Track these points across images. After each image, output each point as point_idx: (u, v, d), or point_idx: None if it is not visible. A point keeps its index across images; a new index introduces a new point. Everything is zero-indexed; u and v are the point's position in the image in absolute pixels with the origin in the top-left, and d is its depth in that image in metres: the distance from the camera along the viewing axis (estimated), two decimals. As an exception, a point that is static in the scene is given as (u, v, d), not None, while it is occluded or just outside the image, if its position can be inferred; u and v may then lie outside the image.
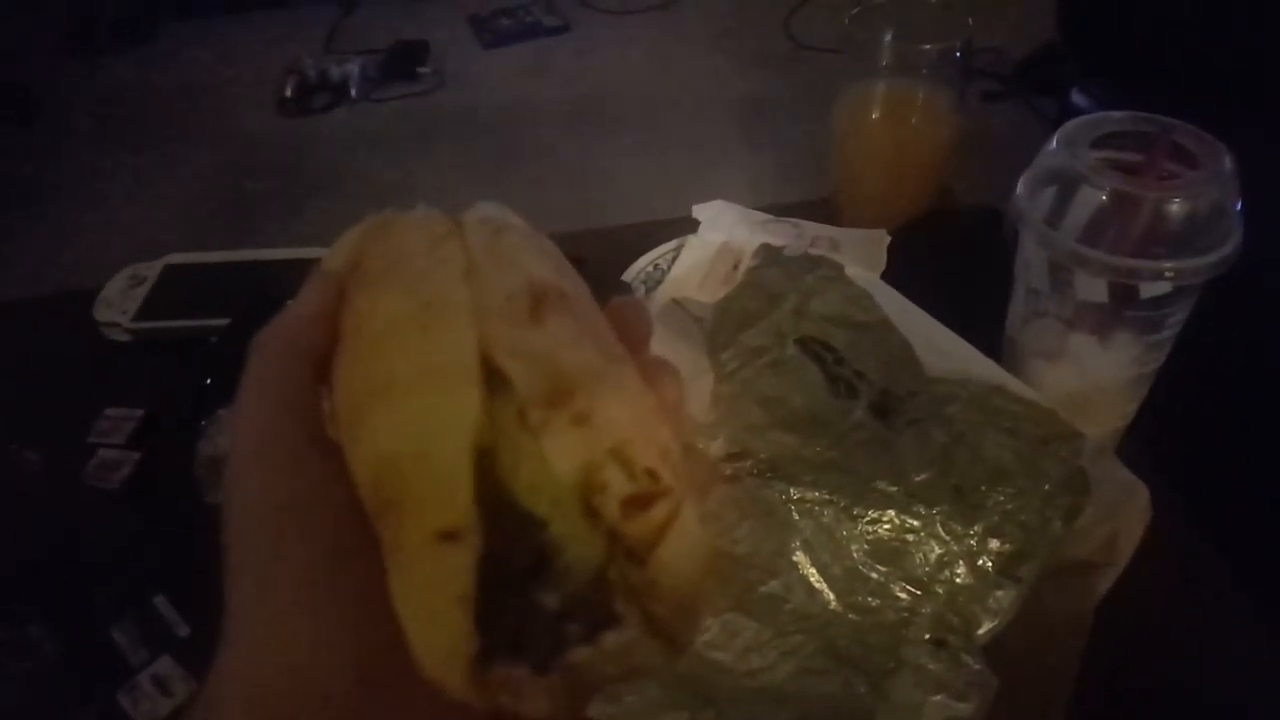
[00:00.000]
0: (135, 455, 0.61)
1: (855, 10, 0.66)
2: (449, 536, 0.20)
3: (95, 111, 1.47)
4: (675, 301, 0.50)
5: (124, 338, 0.68)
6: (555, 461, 0.21)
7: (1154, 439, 0.57)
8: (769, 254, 0.49)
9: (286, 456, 0.24)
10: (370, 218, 0.29)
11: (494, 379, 0.22)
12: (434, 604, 0.20)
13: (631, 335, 0.26)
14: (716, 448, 0.51)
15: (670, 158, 1.17)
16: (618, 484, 0.21)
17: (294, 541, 0.23)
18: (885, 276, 0.67)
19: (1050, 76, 1.29)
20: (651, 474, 0.22)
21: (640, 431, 0.22)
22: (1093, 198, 0.49)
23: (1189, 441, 0.57)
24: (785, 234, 0.71)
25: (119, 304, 0.69)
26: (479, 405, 0.21)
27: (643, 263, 0.71)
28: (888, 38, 0.66)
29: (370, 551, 0.22)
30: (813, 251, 0.68)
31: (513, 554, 0.21)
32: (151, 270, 0.71)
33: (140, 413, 0.64)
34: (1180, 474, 0.54)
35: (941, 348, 0.47)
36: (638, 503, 0.21)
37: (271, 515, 0.23)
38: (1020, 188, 0.52)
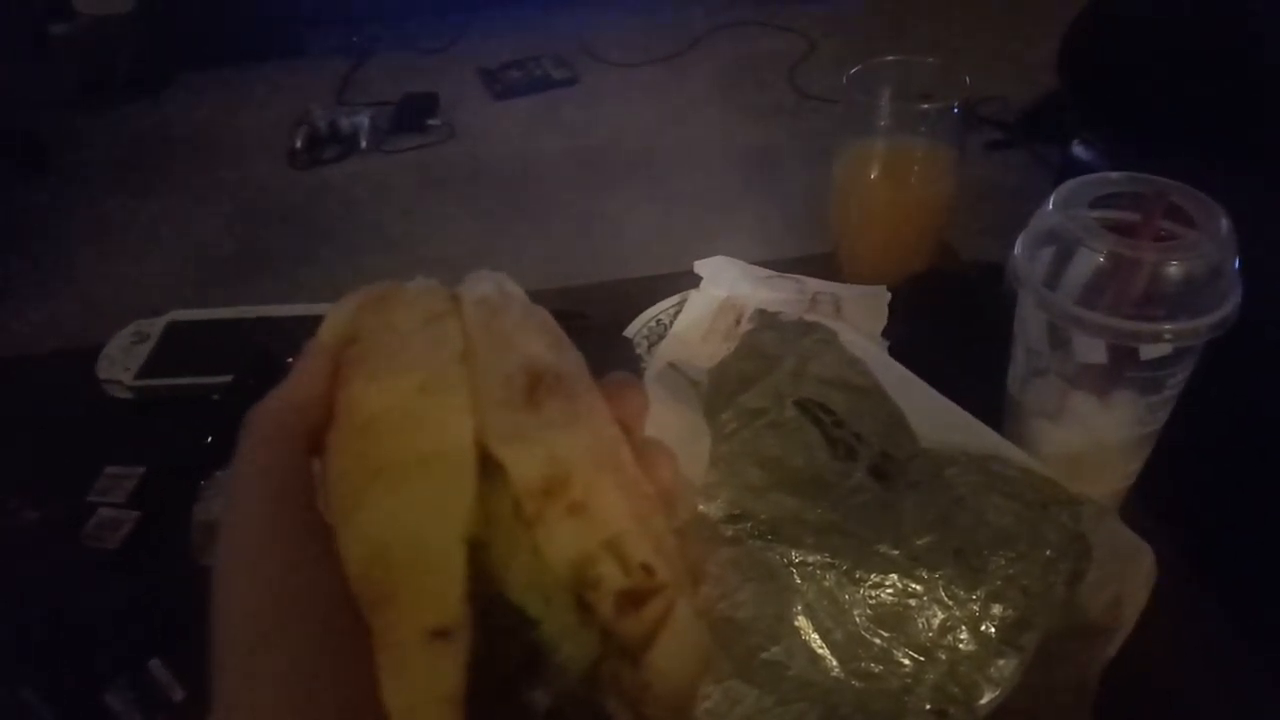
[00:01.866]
0: (135, 514, 0.61)
1: (854, 70, 0.67)
2: (440, 634, 0.20)
3: (108, 161, 1.50)
4: (671, 366, 0.50)
5: (126, 395, 0.69)
6: (550, 554, 0.21)
7: (1158, 499, 0.56)
8: (764, 319, 0.50)
9: (277, 545, 0.23)
10: (366, 289, 0.28)
11: (489, 466, 0.22)
12: (423, 702, 0.20)
13: (627, 413, 0.26)
14: (716, 509, 0.50)
15: (675, 207, 1.18)
16: (612, 578, 0.21)
17: (283, 634, 0.22)
18: (887, 333, 0.67)
19: (1054, 125, 1.31)
20: (646, 569, 0.21)
21: (636, 523, 0.22)
22: (1090, 259, 0.49)
23: (1194, 500, 0.56)
24: (787, 289, 0.71)
25: (122, 361, 0.69)
26: (474, 495, 0.21)
27: (645, 318, 0.71)
28: (886, 97, 0.66)
29: (360, 642, 0.21)
30: (813, 312, 0.68)
31: (505, 652, 0.21)
32: (155, 327, 0.72)
33: (141, 471, 0.64)
34: (1185, 533, 0.53)
35: (940, 418, 0.47)
36: (632, 599, 0.21)
37: (261, 605, 0.23)
38: (1018, 248, 0.52)
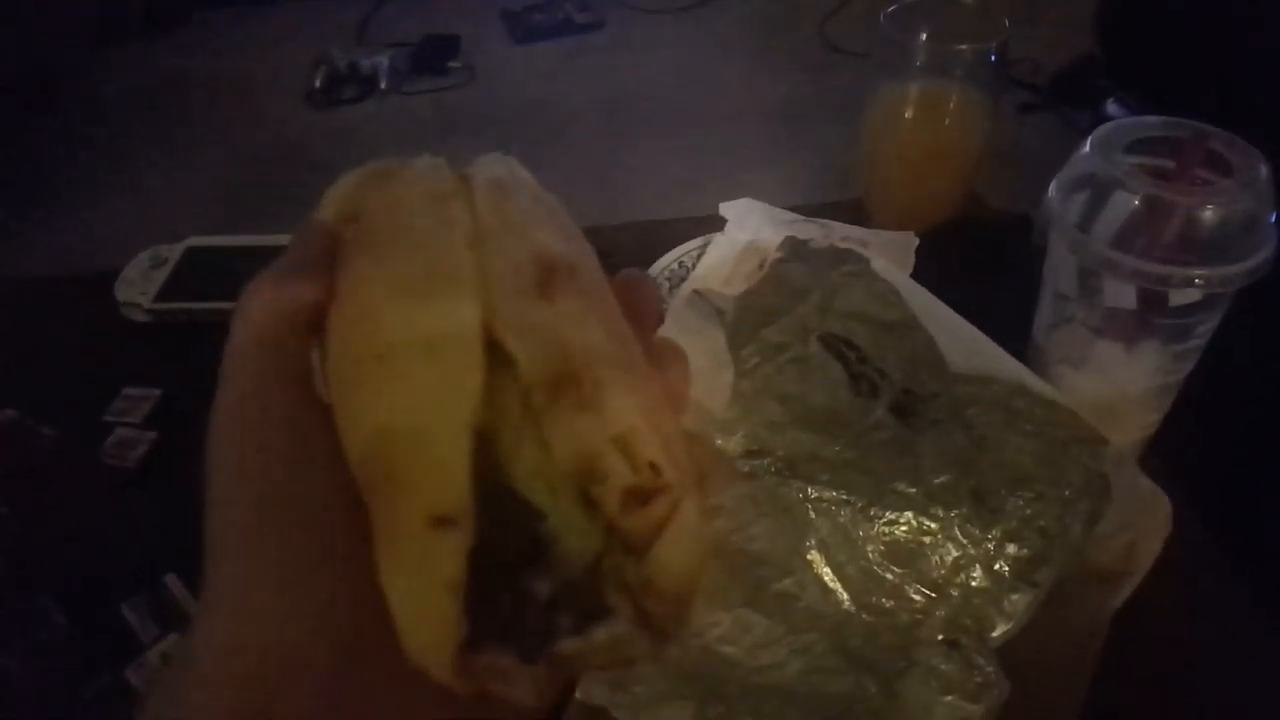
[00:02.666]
0: (151, 435, 0.62)
1: (892, 8, 0.65)
2: (443, 522, 0.20)
3: (123, 98, 1.49)
4: (697, 292, 0.50)
5: (144, 318, 0.69)
6: (556, 446, 0.21)
7: (1177, 450, 0.56)
8: (794, 247, 0.49)
9: (276, 420, 0.23)
10: (369, 164, 0.27)
11: (497, 356, 0.21)
12: (423, 589, 0.20)
13: (639, 314, 0.25)
14: (735, 444, 0.50)
15: (700, 159, 1.17)
16: (619, 475, 0.21)
17: (283, 509, 0.22)
18: (913, 279, 0.67)
19: (1085, 89, 1.28)
20: (654, 467, 0.21)
21: (645, 421, 0.21)
22: (1125, 203, 0.48)
23: (1212, 454, 0.56)
24: (813, 233, 0.70)
25: (140, 284, 0.69)
26: (480, 383, 0.21)
27: (668, 259, 0.71)
28: (923, 37, 0.65)
29: (360, 525, 0.21)
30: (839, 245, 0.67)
31: (507, 541, 0.21)
32: (174, 252, 0.72)
33: (157, 393, 0.64)
34: (1202, 487, 0.53)
35: (966, 344, 0.47)
36: (638, 496, 0.21)
37: (259, 480, 0.22)
38: (1052, 191, 0.51)
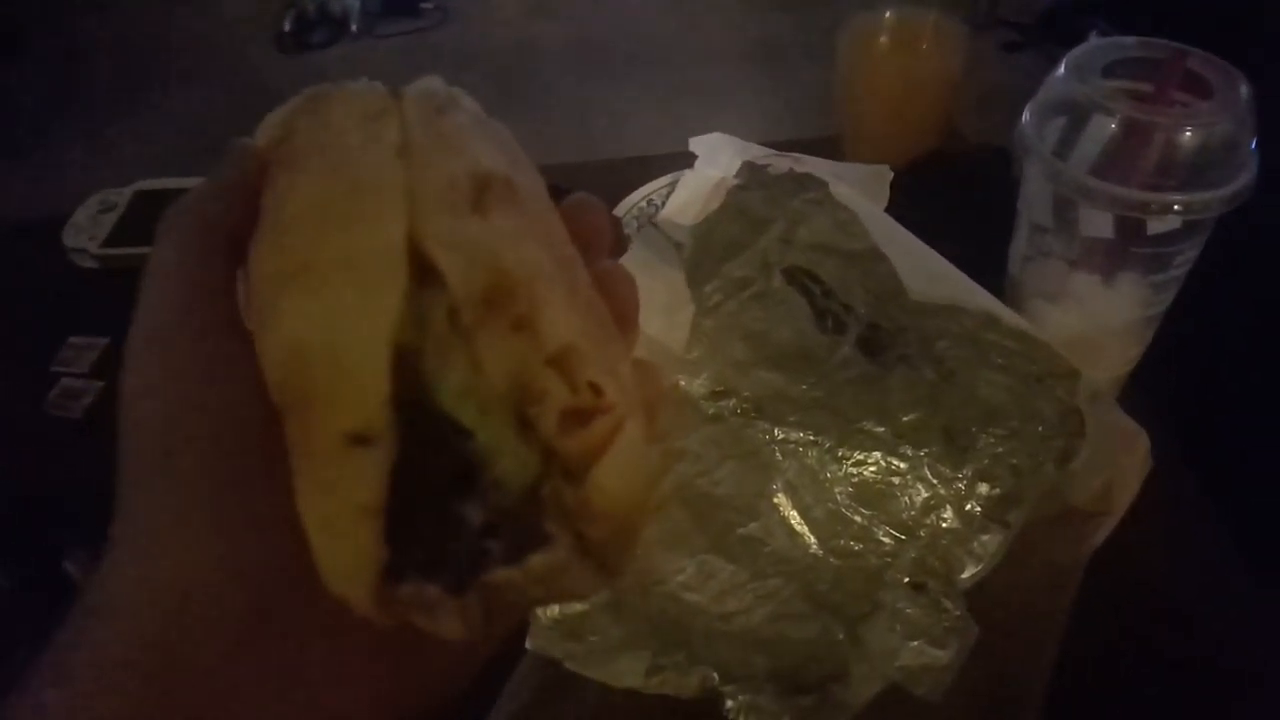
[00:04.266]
0: (98, 384, 0.60)
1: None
2: (359, 440, 0.18)
3: (90, 41, 1.45)
4: (654, 224, 0.48)
5: (92, 264, 0.66)
6: (488, 365, 0.19)
7: (1157, 387, 0.54)
8: (752, 174, 0.47)
9: (191, 340, 0.22)
10: (304, 91, 0.26)
11: (426, 273, 0.20)
12: (340, 513, 0.18)
13: (588, 238, 0.24)
14: (699, 385, 0.49)
15: (677, 99, 1.14)
16: (557, 395, 0.19)
17: (195, 435, 0.21)
18: (888, 212, 0.65)
19: (1072, 26, 1.25)
20: (594, 388, 0.19)
21: (586, 341, 0.20)
22: (1103, 127, 0.46)
23: (1193, 390, 0.54)
24: (784, 168, 0.68)
25: (88, 230, 0.67)
26: (403, 297, 0.19)
27: (635, 198, 0.68)
28: (896, -38, 0.63)
29: (279, 452, 0.19)
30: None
31: (433, 463, 0.19)
32: (122, 196, 0.69)
33: (104, 341, 0.62)
34: (1182, 424, 0.51)
35: (932, 272, 0.45)
36: (577, 417, 0.19)
37: (172, 403, 0.21)
38: (1026, 117, 0.49)
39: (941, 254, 0.51)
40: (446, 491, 0.20)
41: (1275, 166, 0.46)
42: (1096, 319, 0.51)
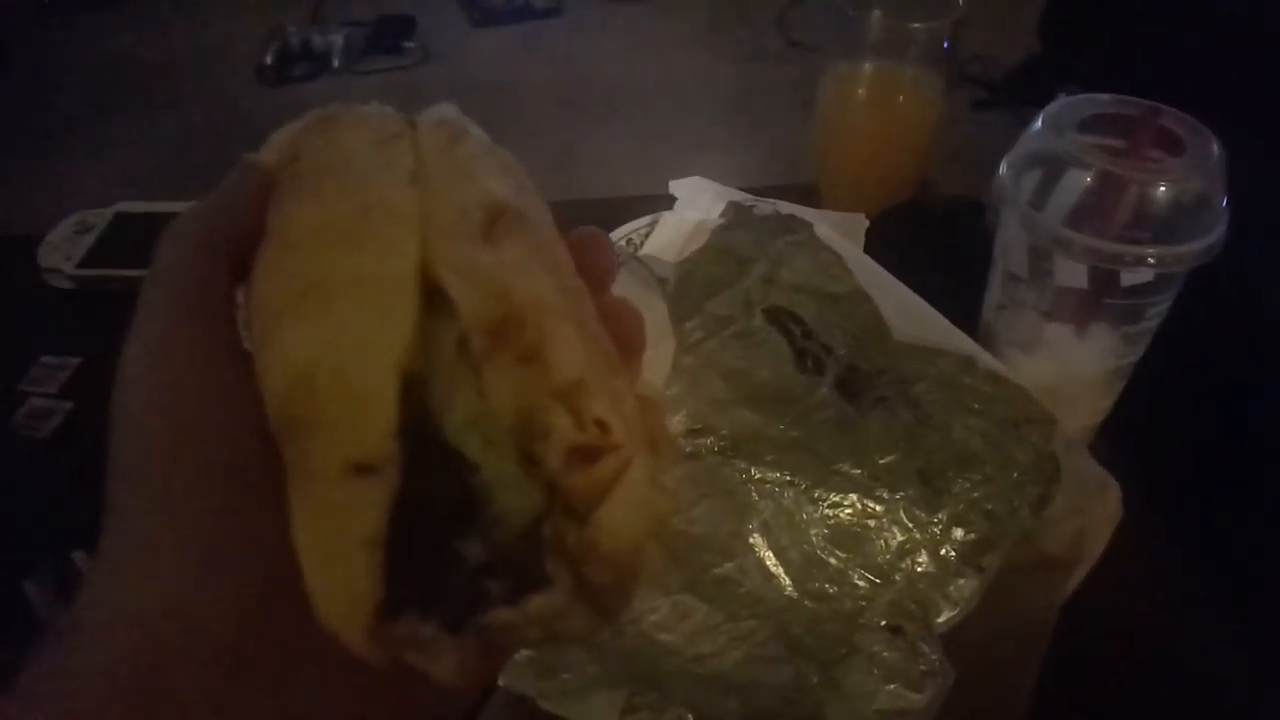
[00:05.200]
0: (67, 405, 0.59)
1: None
2: (362, 469, 0.18)
3: (71, 68, 1.44)
4: (638, 260, 0.48)
5: (67, 285, 0.66)
6: (495, 398, 0.19)
7: (1128, 436, 0.55)
8: (738, 214, 0.47)
9: (189, 358, 0.21)
10: (314, 111, 0.26)
11: (435, 299, 0.20)
12: (337, 544, 0.18)
13: (594, 270, 0.24)
14: (678, 422, 0.49)
15: (656, 146, 1.15)
16: (563, 431, 0.19)
17: (188, 454, 0.20)
18: (863, 261, 0.66)
19: (1039, 86, 1.28)
20: (602, 425, 0.19)
21: (593, 375, 0.20)
22: (1078, 180, 0.47)
23: (1163, 440, 0.55)
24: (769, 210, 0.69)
25: (64, 250, 0.66)
26: (413, 323, 0.19)
27: (615, 236, 0.69)
28: (876, 15, 0.64)
29: (275, 476, 0.19)
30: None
31: (435, 497, 0.19)
32: (101, 218, 0.69)
33: (75, 362, 0.61)
34: (1153, 473, 0.52)
35: (913, 314, 0.45)
36: (583, 454, 0.19)
37: (165, 421, 0.20)
38: (1003, 169, 0.50)
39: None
40: (447, 526, 0.19)
41: (1244, 221, 0.47)
42: (1069, 369, 0.52)
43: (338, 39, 1.40)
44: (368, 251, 0.20)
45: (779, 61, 1.29)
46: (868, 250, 0.65)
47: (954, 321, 0.52)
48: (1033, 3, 1.02)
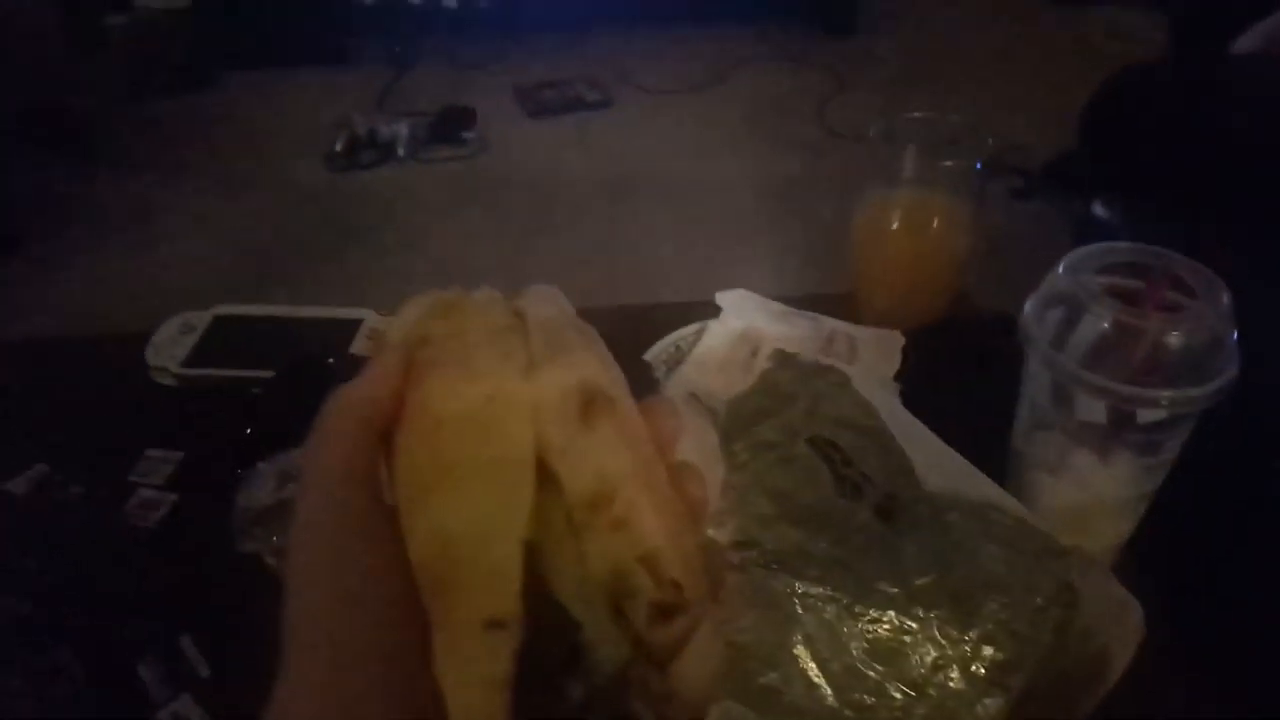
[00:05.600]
0: (172, 496, 0.64)
1: (879, 123, 0.69)
2: (496, 625, 0.23)
3: (151, 153, 1.54)
4: (693, 395, 0.53)
5: (172, 382, 0.72)
6: (592, 563, 0.24)
7: (1152, 558, 0.58)
8: (783, 359, 0.52)
9: (353, 523, 0.25)
10: (432, 293, 0.31)
11: (544, 476, 0.24)
12: (475, 684, 0.22)
13: (662, 435, 0.28)
14: (725, 535, 0.53)
15: (699, 234, 1.21)
16: (646, 590, 0.24)
17: (353, 610, 0.24)
18: (899, 376, 0.70)
19: (1076, 177, 1.32)
20: (676, 585, 0.24)
21: (669, 540, 0.24)
22: (1095, 324, 0.52)
23: (1186, 562, 0.58)
24: (804, 326, 0.74)
25: (169, 350, 0.72)
26: (532, 500, 0.24)
27: (664, 343, 0.74)
28: (910, 151, 0.69)
29: (420, 621, 0.24)
30: (829, 350, 0.71)
31: (549, 647, 0.24)
32: (202, 320, 0.75)
33: (180, 455, 0.66)
34: (1176, 594, 0.55)
35: (941, 464, 0.49)
36: (663, 611, 0.24)
37: (335, 583, 0.25)
38: (1028, 308, 0.55)
39: (951, 419, 0.56)
40: (557, 670, 0.24)
41: (1260, 352, 0.51)
42: (1094, 492, 0.55)
43: (403, 129, 1.49)
44: (495, 437, 0.25)
45: (820, 152, 1.36)
46: (905, 367, 0.69)
47: (987, 439, 0.56)
48: (1074, 92, 1.06)
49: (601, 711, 0.24)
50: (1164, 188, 0.92)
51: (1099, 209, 1.03)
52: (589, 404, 0.26)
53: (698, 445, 0.52)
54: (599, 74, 1.65)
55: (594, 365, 0.28)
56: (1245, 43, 0.94)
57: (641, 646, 0.24)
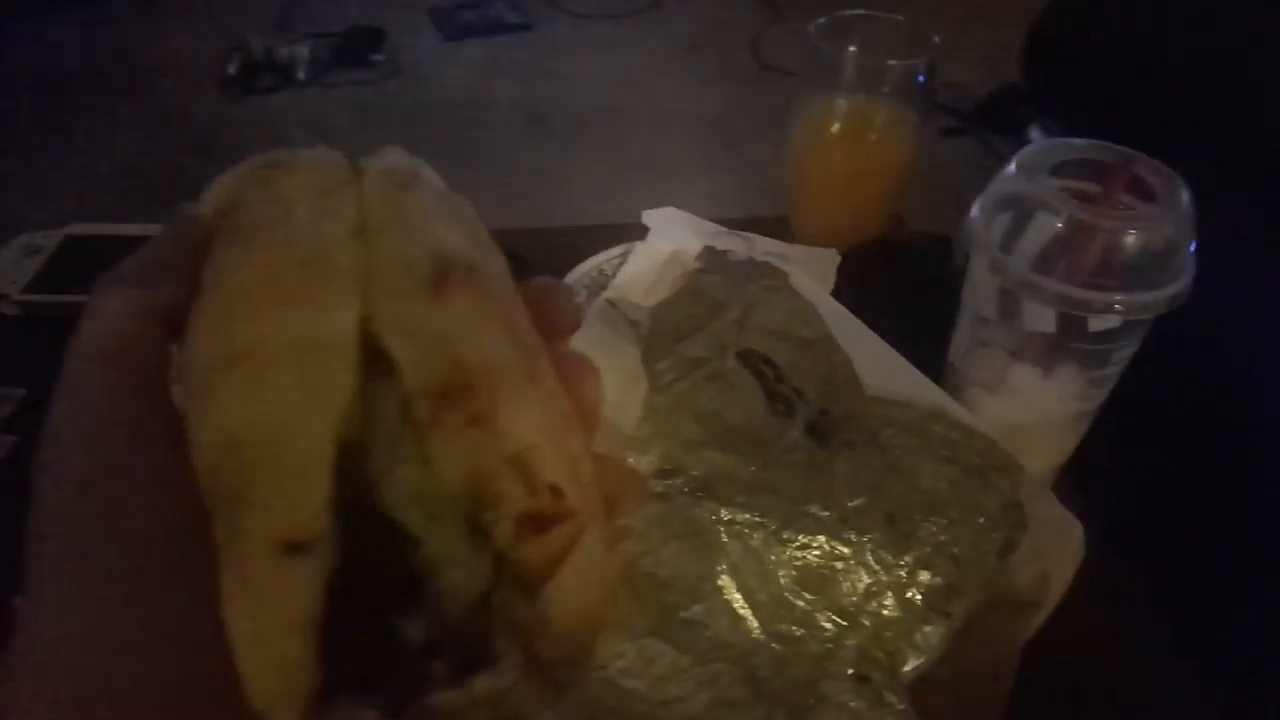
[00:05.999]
0: (11, 439, 0.56)
1: (820, 20, 0.64)
2: (295, 548, 0.17)
3: (30, 75, 1.41)
4: (610, 302, 0.48)
5: (11, 310, 0.63)
6: (442, 466, 0.18)
7: (1092, 477, 0.55)
8: (712, 259, 0.47)
9: (117, 431, 0.20)
10: (256, 157, 0.25)
11: (377, 362, 0.19)
12: (269, 626, 0.17)
13: (551, 323, 0.23)
14: (648, 462, 0.48)
15: (625, 166, 1.15)
16: (514, 498, 0.18)
17: (115, 534, 0.19)
18: (833, 296, 0.66)
19: (1009, 115, 1.30)
20: (555, 490, 0.19)
21: (547, 439, 0.19)
22: (1048, 224, 0.48)
23: (1127, 481, 0.56)
24: (735, 245, 0.69)
25: (10, 274, 0.64)
26: (351, 389, 0.18)
27: (587, 266, 0.68)
28: (851, 50, 0.64)
29: (204, 555, 0.18)
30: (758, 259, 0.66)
31: (374, 574, 0.18)
32: (50, 240, 0.66)
33: (21, 393, 0.59)
34: (1117, 513, 0.53)
35: (884, 366, 0.45)
36: (535, 523, 0.18)
37: (91, 494, 0.19)
38: (974, 211, 0.51)
39: (886, 339, 0.52)
40: (387, 605, 0.18)
41: (1212, 268, 0.48)
42: (1034, 410, 0.52)
43: (303, 50, 1.39)
44: (304, 311, 0.19)
45: (752, 85, 1.30)
46: (839, 286, 0.65)
47: (922, 360, 0.53)
48: (1012, 33, 1.03)
49: (453, 655, 0.18)
50: (1105, 115, 0.89)
51: (1035, 134, 1.00)
52: (443, 273, 0.20)
53: (617, 360, 0.47)
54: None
55: (453, 229, 0.22)
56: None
57: (505, 567, 0.19)
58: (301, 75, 1.33)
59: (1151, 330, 0.50)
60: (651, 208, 0.74)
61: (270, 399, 0.18)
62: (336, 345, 0.18)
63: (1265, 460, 0.58)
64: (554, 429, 0.20)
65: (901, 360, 0.46)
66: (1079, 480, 0.55)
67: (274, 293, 0.19)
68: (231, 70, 1.36)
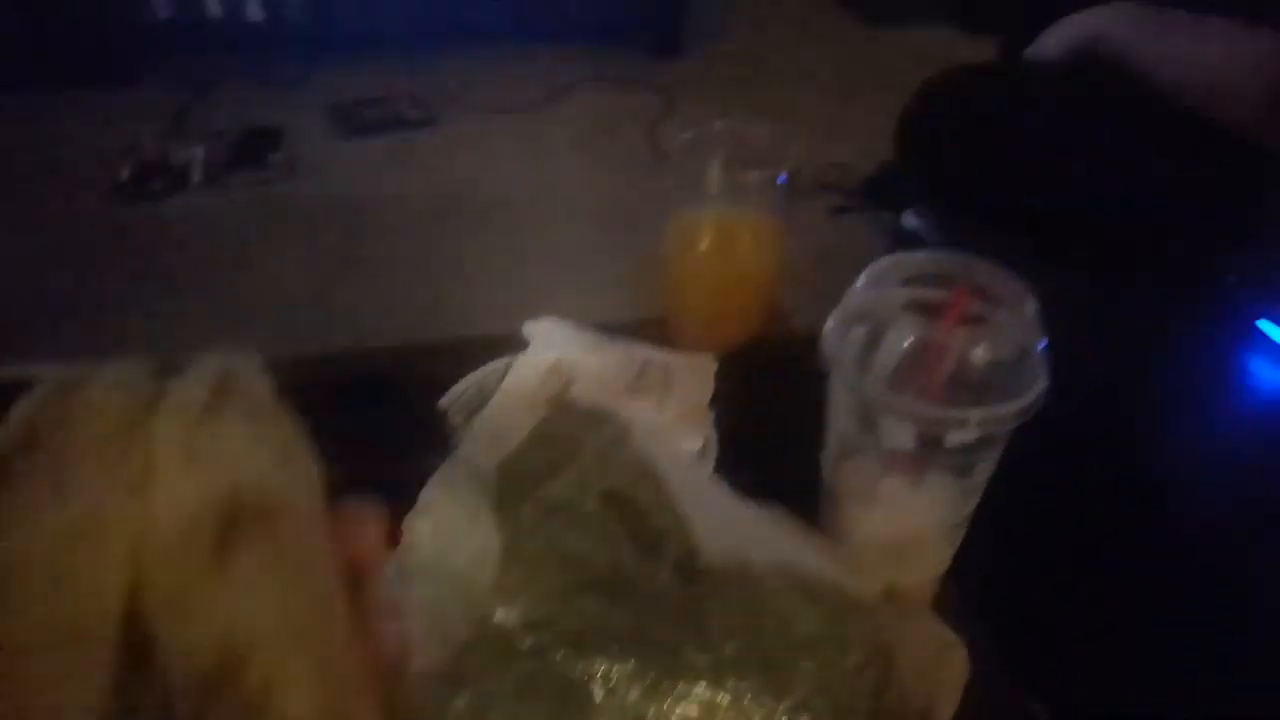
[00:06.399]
0: None
1: (684, 135, 0.65)
2: None
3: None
4: (456, 463, 0.46)
5: None
6: None
7: (971, 587, 0.55)
8: (559, 409, 0.46)
9: None
10: (52, 381, 0.23)
11: (145, 644, 0.18)
12: None
13: (362, 551, 0.22)
14: (513, 616, 0.46)
15: (526, 260, 1.15)
16: None
17: None
18: (714, 402, 0.65)
19: (892, 193, 1.34)
20: None
21: (324, 717, 0.18)
22: (900, 339, 0.48)
23: (1008, 588, 0.55)
24: (615, 354, 0.68)
25: None
26: (107, 687, 0.17)
27: (464, 385, 0.67)
28: (714, 165, 0.65)
29: None
30: (642, 379, 0.66)
31: None
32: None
33: None
34: (1000, 620, 0.52)
35: (729, 527, 0.44)
36: None
37: None
38: (829, 326, 0.51)
39: (764, 447, 0.52)
40: None
41: (1069, 367, 0.48)
42: (908, 521, 0.52)
43: (198, 152, 1.36)
44: (69, 595, 0.18)
45: (650, 173, 1.31)
46: (718, 392, 0.64)
47: (800, 466, 0.52)
48: (888, 114, 1.06)
49: None
50: (971, 195, 0.92)
51: (909, 219, 1.02)
52: (232, 524, 0.19)
53: (467, 514, 0.45)
54: (422, 92, 1.57)
55: (254, 460, 0.21)
56: (1047, 45, 0.95)
57: None
58: (196, 178, 1.30)
59: (1018, 433, 0.50)
60: (551, 298, 0.74)
61: (29, 698, 0.17)
62: (97, 634, 0.17)
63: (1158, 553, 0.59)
64: (333, 700, 0.18)
65: (753, 515, 0.46)
66: (960, 590, 0.55)
67: (41, 573, 0.18)
68: (124, 176, 1.32)
